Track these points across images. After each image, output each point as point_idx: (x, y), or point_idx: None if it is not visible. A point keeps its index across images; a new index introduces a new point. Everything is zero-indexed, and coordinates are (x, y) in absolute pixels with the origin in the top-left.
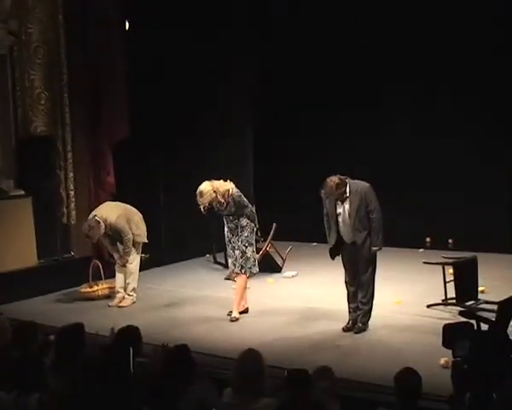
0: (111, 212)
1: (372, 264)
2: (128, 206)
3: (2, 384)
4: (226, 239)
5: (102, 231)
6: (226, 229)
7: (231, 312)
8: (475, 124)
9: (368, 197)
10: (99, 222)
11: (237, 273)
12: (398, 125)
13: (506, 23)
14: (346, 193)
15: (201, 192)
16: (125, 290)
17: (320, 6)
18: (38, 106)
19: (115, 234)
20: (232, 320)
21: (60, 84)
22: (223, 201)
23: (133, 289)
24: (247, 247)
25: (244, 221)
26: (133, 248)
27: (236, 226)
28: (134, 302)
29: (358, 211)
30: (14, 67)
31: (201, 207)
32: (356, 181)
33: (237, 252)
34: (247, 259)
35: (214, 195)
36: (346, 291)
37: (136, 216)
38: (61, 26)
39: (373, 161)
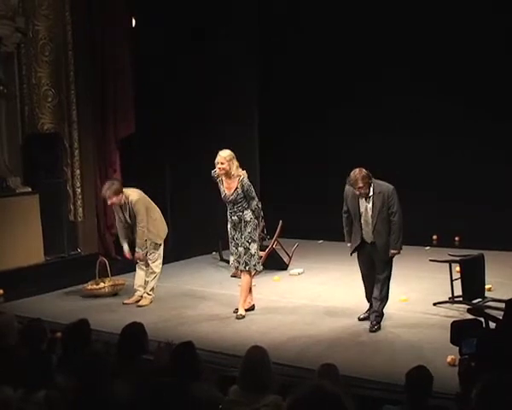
0: (134, 192)
1: (388, 266)
2: (152, 202)
3: (10, 382)
4: (229, 236)
5: (120, 198)
6: (229, 226)
7: (237, 309)
8: (483, 123)
9: (390, 200)
10: (120, 190)
11: (242, 271)
12: (403, 124)
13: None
14: (369, 191)
15: (224, 150)
16: (143, 289)
17: (320, 3)
18: (45, 103)
19: (132, 220)
20: (238, 318)
21: (67, 81)
22: (233, 173)
23: (152, 289)
24: (250, 243)
25: (248, 216)
26: (156, 250)
27: (240, 220)
28: (152, 302)
29: (380, 213)
30: (21, 65)
31: (217, 167)
32: (380, 182)
33: (241, 249)
34: (252, 256)
35: (232, 157)
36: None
37: (157, 214)
38: (67, 23)
39: (379, 159)
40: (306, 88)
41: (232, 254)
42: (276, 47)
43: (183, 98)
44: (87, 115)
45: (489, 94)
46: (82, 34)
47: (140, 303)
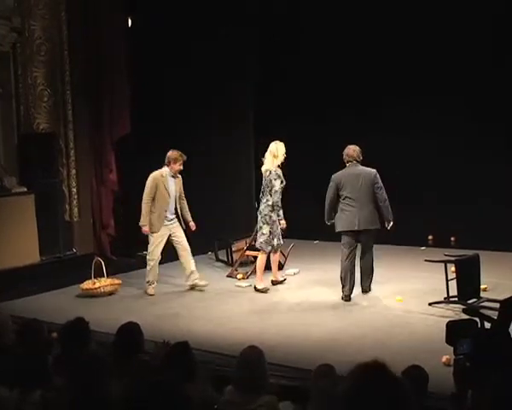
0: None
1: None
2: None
3: (5, 382)
4: (275, 224)
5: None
6: (275, 214)
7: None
8: (479, 122)
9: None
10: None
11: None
12: (403, 124)
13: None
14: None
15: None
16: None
17: (320, 4)
18: (41, 103)
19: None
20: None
21: (62, 81)
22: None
23: (147, 282)
24: (264, 224)
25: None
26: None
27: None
28: (153, 292)
29: None
30: (16, 64)
31: (284, 157)
32: (355, 168)
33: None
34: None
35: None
36: None
37: (158, 210)
38: (63, 22)
39: (379, 159)
40: (306, 88)
41: (275, 237)
42: (276, 47)
43: (182, 98)
44: (83, 115)
45: (489, 94)
46: (78, 34)
47: (147, 291)
